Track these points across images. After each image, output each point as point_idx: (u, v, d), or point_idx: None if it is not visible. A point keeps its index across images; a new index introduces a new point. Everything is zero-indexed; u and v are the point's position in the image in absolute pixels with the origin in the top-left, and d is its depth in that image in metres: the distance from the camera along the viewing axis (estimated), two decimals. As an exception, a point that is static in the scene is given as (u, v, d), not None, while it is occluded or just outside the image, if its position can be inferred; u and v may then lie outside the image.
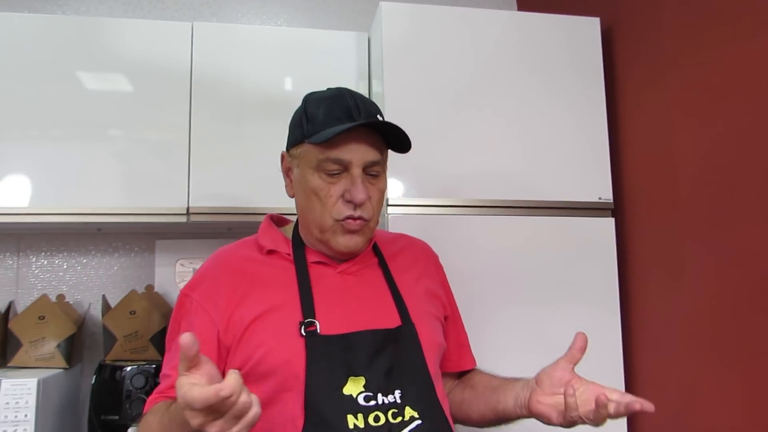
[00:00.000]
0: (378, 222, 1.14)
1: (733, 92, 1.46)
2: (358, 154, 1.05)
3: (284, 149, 1.15)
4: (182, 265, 2.07)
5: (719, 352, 1.48)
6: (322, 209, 1.07)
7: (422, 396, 1.05)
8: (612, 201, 1.78)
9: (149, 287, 1.93)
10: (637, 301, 1.78)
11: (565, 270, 1.73)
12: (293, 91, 1.86)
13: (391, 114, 1.68)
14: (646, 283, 1.75)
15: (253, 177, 1.79)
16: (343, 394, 1.00)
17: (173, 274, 2.05)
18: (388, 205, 1.65)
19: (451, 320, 1.25)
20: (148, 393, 1.70)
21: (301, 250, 1.13)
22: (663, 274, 1.68)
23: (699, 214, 1.56)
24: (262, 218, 1.76)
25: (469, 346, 1.29)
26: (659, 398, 1.68)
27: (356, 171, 1.05)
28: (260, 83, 1.84)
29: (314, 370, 1.00)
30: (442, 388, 1.14)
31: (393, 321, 1.09)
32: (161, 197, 1.73)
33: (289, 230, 1.20)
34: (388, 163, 1.70)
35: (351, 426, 0.97)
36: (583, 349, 1.05)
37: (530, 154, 1.76)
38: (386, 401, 1.01)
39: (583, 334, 1.06)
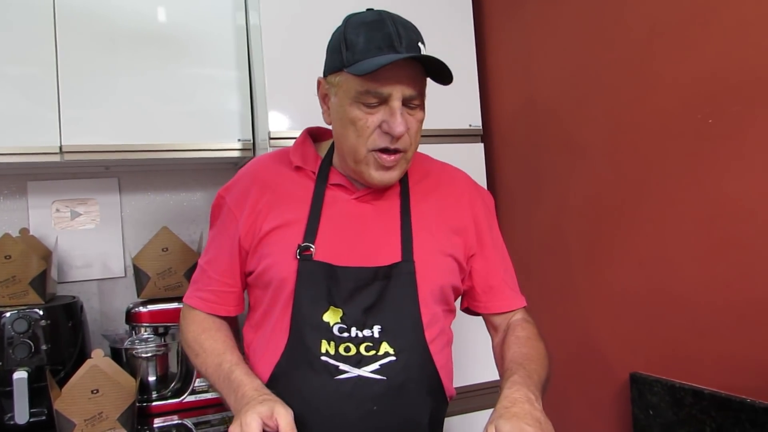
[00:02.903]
0: (415, 152, 1.13)
1: (584, 25, 1.60)
2: (398, 87, 1.02)
3: (320, 75, 1.13)
4: (59, 206, 1.99)
5: (570, 255, 1.68)
6: (357, 139, 1.05)
7: (403, 334, 1.08)
8: (481, 127, 1.92)
9: (24, 230, 1.85)
10: (503, 218, 1.95)
11: (440, 194, 1.85)
12: (168, 22, 1.80)
13: (269, 47, 1.69)
14: (511, 202, 1.93)
15: (131, 112, 1.74)
16: (322, 320, 1.06)
17: (50, 216, 1.98)
18: (270, 138, 1.68)
19: (479, 259, 1.21)
20: (32, 337, 1.68)
21: (326, 170, 1.15)
22: (524, 193, 1.86)
23: (552, 137, 1.73)
24: (140, 155, 1.76)
25: (502, 287, 1.22)
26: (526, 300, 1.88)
27: (396, 104, 1.03)
28: (132, 13, 1.76)
29: (302, 292, 1.06)
30: (441, 325, 1.15)
31: (392, 257, 1.10)
32: (30, 136, 1.64)
33: (325, 146, 1.19)
34: (270, 95, 1.70)
35: (323, 350, 1.05)
36: None
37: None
38: (360, 335, 1.06)
39: None
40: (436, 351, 1.12)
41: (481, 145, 1.93)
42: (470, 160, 1.90)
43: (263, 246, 1.11)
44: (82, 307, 1.85)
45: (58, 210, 1.99)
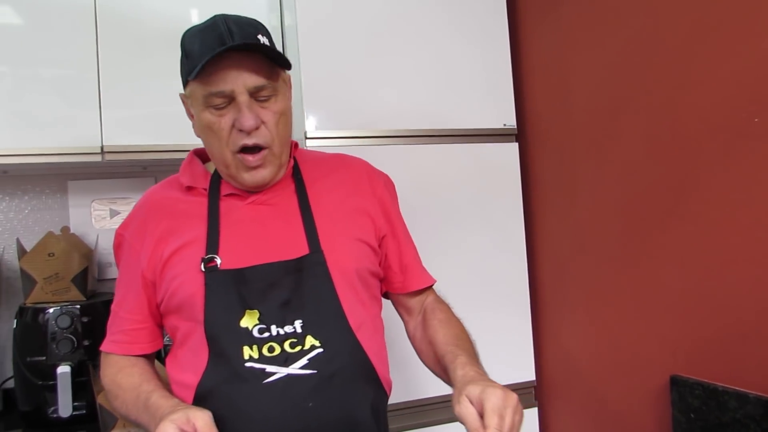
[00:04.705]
0: (285, 145, 1.11)
1: (622, 23, 1.58)
2: (238, 81, 1.01)
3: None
4: (98, 205, 2.04)
5: (607, 255, 1.67)
6: (219, 144, 1.05)
7: (326, 324, 1.06)
8: (515, 127, 1.91)
9: (65, 229, 1.89)
10: (538, 217, 1.94)
11: (474, 194, 1.85)
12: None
13: (304, 47, 1.70)
14: (546, 201, 1.91)
15: (168, 113, 1.77)
16: (240, 327, 1.03)
17: (89, 214, 2.02)
18: (306, 138, 1.69)
19: (390, 240, 1.21)
20: (74, 333, 1.72)
21: (217, 184, 1.14)
22: (560, 193, 1.85)
23: (589, 136, 1.71)
24: (178, 155, 1.78)
25: (416, 265, 1.25)
26: (559, 300, 1.87)
27: (242, 98, 1.02)
28: (168, 16, 1.79)
29: (212, 304, 1.04)
30: (367, 312, 1.14)
31: (300, 250, 1.08)
32: (72, 136, 1.68)
33: (213, 165, 1.19)
34: (306, 95, 1.71)
35: (246, 357, 1.01)
36: None
37: (439, 84, 1.84)
38: (281, 332, 1.03)
39: None
40: (365, 338, 1.10)
41: (516, 144, 1.91)
42: (505, 159, 1.90)
43: (167, 270, 1.09)
44: (121, 303, 1.89)
45: (97, 208, 2.04)
